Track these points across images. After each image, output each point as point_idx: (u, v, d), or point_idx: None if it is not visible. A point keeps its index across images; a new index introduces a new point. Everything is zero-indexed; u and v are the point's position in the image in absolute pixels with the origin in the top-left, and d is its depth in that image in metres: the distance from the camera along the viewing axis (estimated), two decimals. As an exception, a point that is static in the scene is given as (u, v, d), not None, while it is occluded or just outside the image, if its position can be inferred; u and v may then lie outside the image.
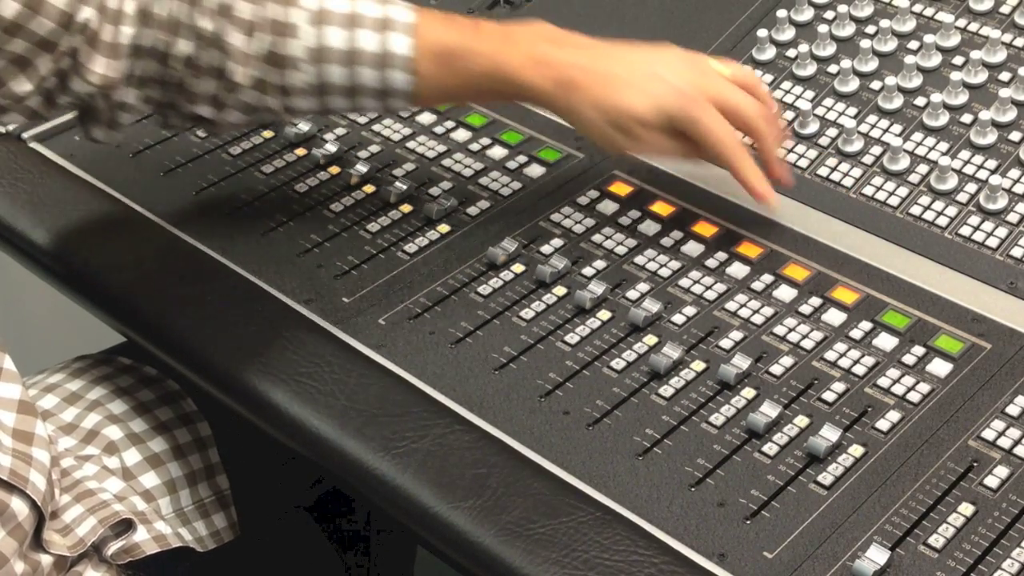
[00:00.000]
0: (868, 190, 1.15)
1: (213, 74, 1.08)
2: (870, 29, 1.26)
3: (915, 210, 1.13)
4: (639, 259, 1.11)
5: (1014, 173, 1.13)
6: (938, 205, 1.13)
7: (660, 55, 1.12)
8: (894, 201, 1.14)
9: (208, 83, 1.08)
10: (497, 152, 1.24)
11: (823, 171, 1.17)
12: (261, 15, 1.06)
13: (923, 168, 1.15)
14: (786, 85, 1.25)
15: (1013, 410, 0.96)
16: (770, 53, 1.27)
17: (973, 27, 1.23)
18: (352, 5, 1.08)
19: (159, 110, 1.12)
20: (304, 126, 1.27)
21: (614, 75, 1.09)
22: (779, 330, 1.04)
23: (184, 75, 1.08)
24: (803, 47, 1.25)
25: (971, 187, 1.13)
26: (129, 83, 1.07)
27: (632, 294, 1.08)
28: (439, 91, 1.10)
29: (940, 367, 1.00)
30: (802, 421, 0.96)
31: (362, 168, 1.22)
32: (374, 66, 1.07)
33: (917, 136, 1.17)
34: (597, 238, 1.13)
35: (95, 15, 1.03)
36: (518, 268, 1.11)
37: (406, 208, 1.18)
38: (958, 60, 1.21)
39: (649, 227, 1.14)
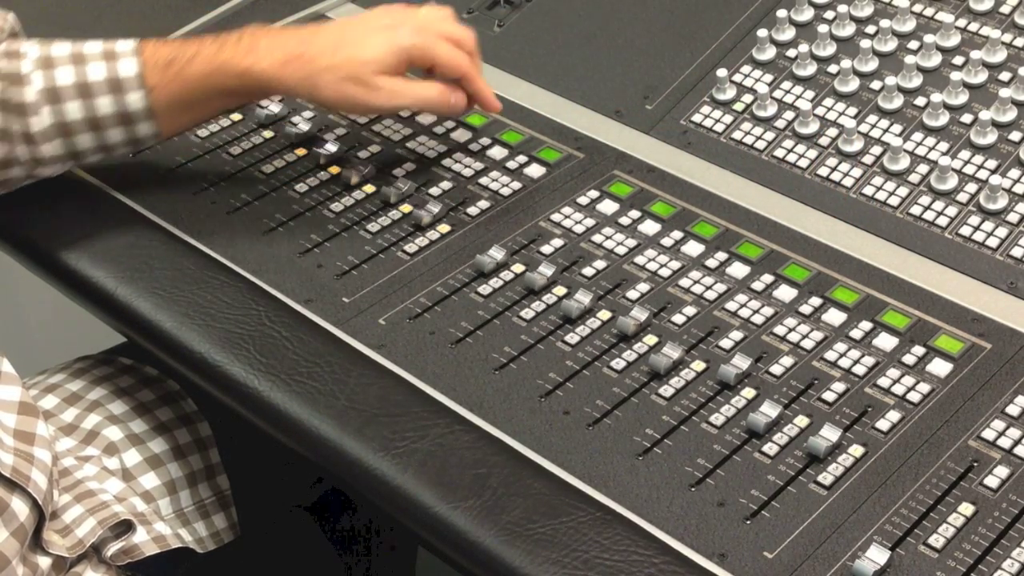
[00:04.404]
0: (868, 190, 1.15)
1: None
2: (870, 29, 1.26)
3: (915, 210, 1.13)
4: (639, 259, 1.11)
5: (1014, 173, 1.13)
6: (938, 205, 1.12)
7: (375, 13, 1.19)
8: (894, 201, 1.14)
9: None
10: (497, 152, 1.24)
11: (823, 171, 1.17)
12: None
13: (923, 168, 1.15)
14: (786, 85, 1.25)
15: (1013, 410, 0.96)
16: (770, 53, 1.27)
17: (973, 27, 1.23)
18: (75, 47, 1.13)
19: None
20: (304, 126, 1.27)
21: (341, 38, 1.14)
22: (779, 330, 1.04)
23: None
24: (803, 47, 1.25)
25: (971, 187, 1.13)
26: None
27: (632, 294, 1.08)
28: (173, 100, 1.14)
29: (940, 367, 1.00)
30: (802, 421, 0.96)
31: (361, 168, 1.22)
32: (108, 93, 1.12)
33: (917, 136, 1.17)
34: (597, 238, 1.13)
35: None
36: (518, 268, 1.11)
37: (406, 208, 1.18)
38: (958, 60, 1.21)
39: (649, 227, 1.14)
